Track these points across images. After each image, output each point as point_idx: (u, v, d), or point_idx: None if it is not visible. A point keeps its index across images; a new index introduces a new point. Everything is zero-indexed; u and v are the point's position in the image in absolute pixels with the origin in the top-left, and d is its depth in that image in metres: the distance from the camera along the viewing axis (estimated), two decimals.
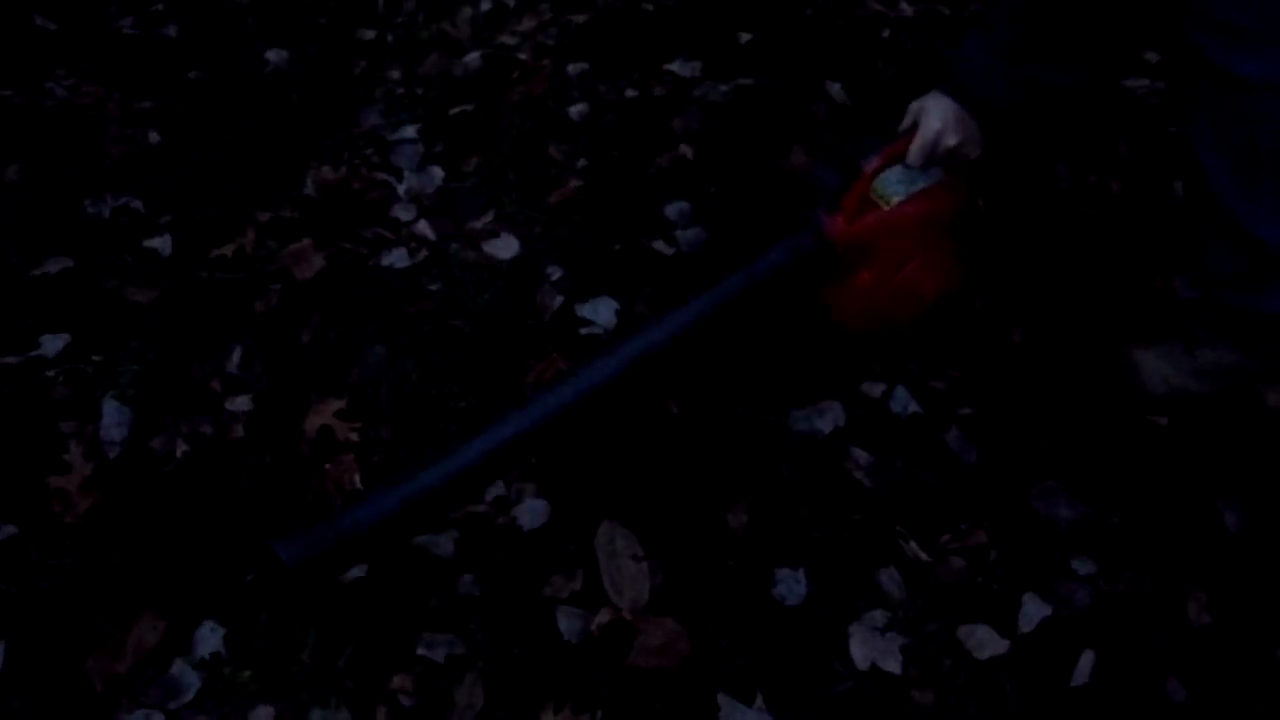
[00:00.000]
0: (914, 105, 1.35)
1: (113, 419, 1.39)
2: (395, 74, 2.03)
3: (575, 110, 1.92)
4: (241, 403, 1.41)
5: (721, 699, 1.12)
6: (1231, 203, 1.20)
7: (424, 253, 1.65)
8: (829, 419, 1.39)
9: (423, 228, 1.70)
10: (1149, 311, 1.51)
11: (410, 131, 1.88)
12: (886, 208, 1.34)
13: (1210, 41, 1.13)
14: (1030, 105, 1.30)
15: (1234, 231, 1.22)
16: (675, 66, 2.02)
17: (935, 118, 1.31)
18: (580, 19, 2.16)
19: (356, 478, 1.32)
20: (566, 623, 1.18)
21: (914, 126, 1.34)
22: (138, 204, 1.73)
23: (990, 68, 1.27)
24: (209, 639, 1.16)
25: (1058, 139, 1.79)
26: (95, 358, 1.47)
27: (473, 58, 2.06)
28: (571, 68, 2.02)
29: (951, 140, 1.31)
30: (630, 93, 1.96)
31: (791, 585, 1.22)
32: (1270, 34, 1.10)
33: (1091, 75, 1.26)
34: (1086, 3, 1.21)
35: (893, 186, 1.35)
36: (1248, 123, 1.15)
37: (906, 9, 2.15)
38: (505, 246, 1.66)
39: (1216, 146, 1.19)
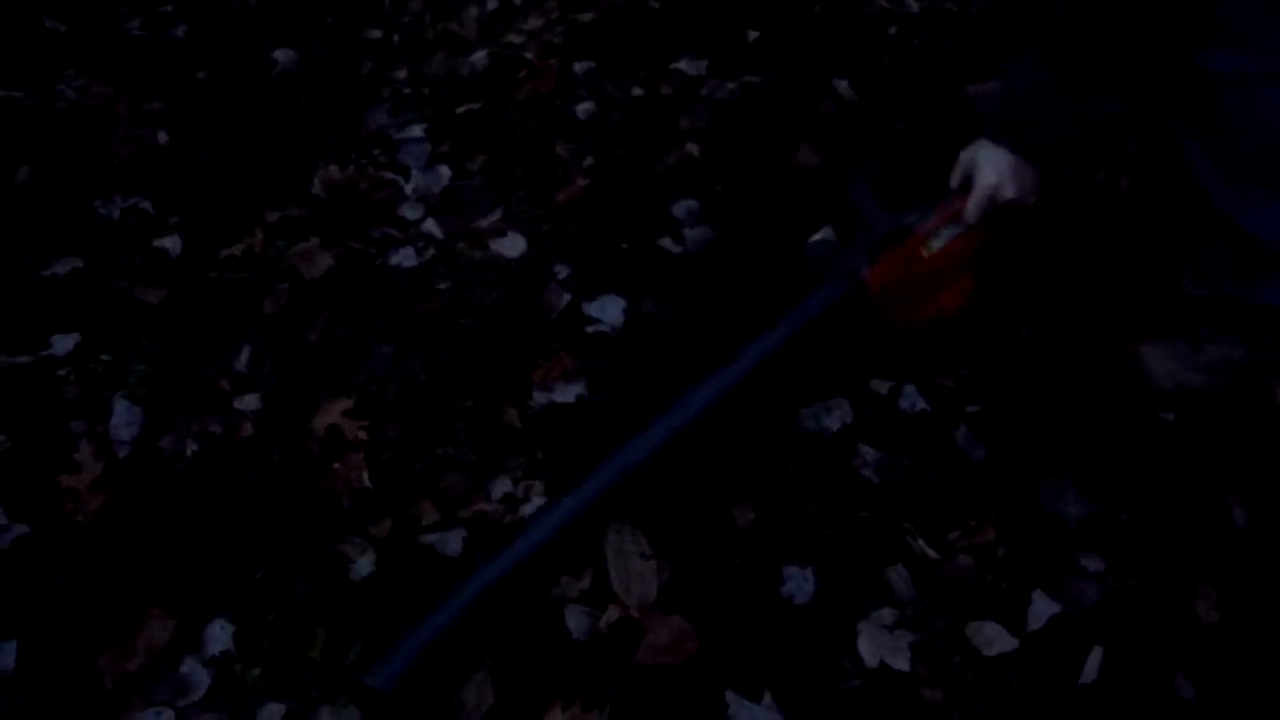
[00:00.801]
0: (964, 156, 1.29)
1: (123, 418, 1.39)
2: (402, 73, 2.03)
3: (582, 109, 1.93)
4: (250, 402, 1.42)
5: (730, 696, 1.12)
6: (1219, 198, 1.20)
7: (431, 252, 1.65)
8: (837, 416, 1.39)
9: (430, 227, 1.70)
10: (1157, 308, 1.51)
11: (417, 131, 1.89)
12: (926, 254, 1.31)
13: None
14: (1086, 138, 1.24)
15: (1225, 226, 1.22)
16: (682, 65, 2.02)
17: (990, 171, 1.25)
18: (587, 18, 2.16)
19: (365, 476, 1.32)
20: (575, 621, 1.18)
21: (966, 181, 1.28)
22: (147, 204, 1.74)
23: (1044, 107, 1.20)
24: (219, 637, 1.17)
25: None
26: (105, 357, 1.48)
27: (479, 57, 2.06)
28: (578, 66, 2.02)
29: (1010, 193, 1.26)
30: (637, 91, 1.96)
31: (800, 583, 1.22)
32: (1238, 26, 1.08)
33: (1145, 97, 1.23)
34: (1137, 27, 1.15)
35: (937, 234, 1.32)
36: (1224, 118, 1.14)
37: (913, 6, 2.15)
38: (512, 245, 1.66)
39: (1198, 143, 1.19)
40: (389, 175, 1.80)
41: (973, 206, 1.28)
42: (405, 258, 1.64)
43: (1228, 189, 1.19)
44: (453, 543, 1.25)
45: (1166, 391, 1.38)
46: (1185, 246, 1.54)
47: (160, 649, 1.16)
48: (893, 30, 2.09)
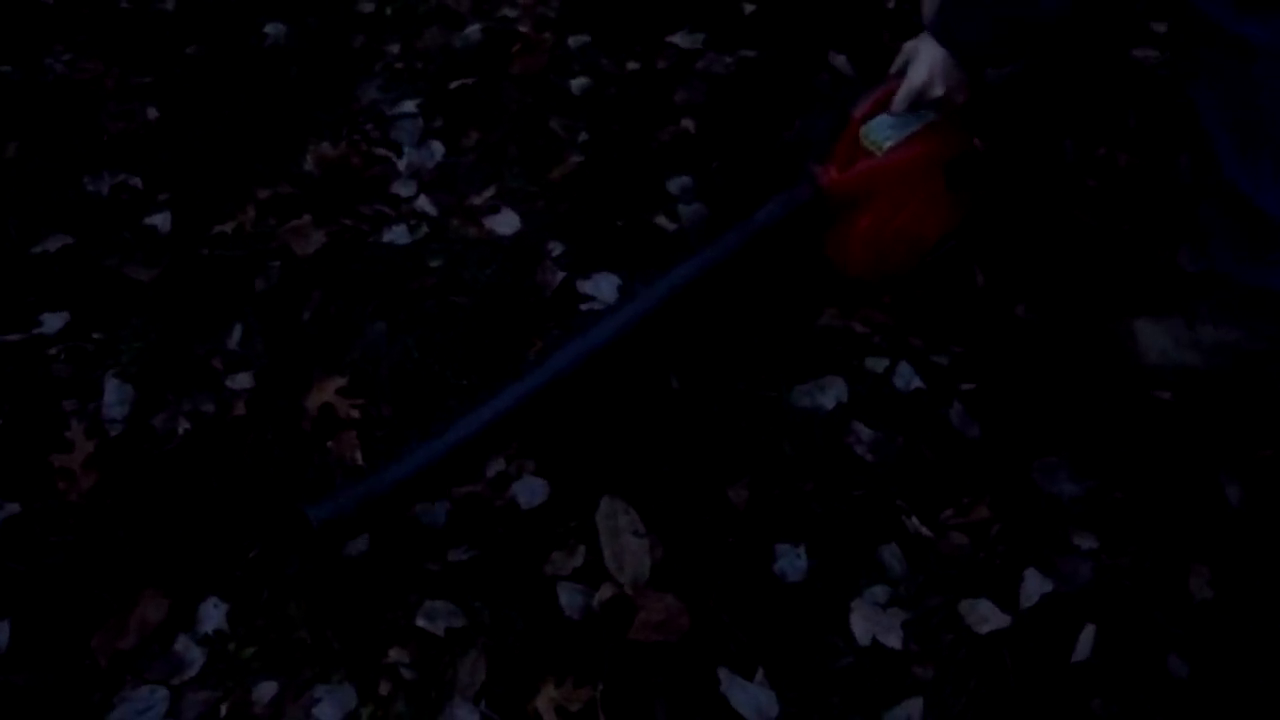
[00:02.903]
0: (907, 46, 1.34)
1: (114, 397, 1.39)
2: (394, 48, 2.01)
3: (577, 84, 1.91)
4: (243, 380, 1.41)
5: (722, 673, 1.12)
6: (1234, 173, 1.18)
7: (424, 229, 1.64)
8: (831, 394, 1.39)
9: (423, 203, 1.69)
10: (1154, 285, 1.50)
11: (410, 106, 1.87)
12: (879, 154, 1.35)
13: (1213, 1, 1.10)
14: (1013, 43, 1.28)
15: (1237, 203, 1.20)
16: (678, 38, 1.99)
17: (923, 65, 1.30)
18: None
19: (358, 455, 1.32)
20: (568, 598, 1.19)
21: (904, 69, 1.33)
22: (136, 181, 1.72)
23: (969, 6, 1.25)
24: (212, 615, 1.17)
25: (1065, 111, 1.77)
26: (96, 336, 1.47)
27: (473, 30, 2.04)
28: (573, 40, 2.00)
29: (938, 89, 1.31)
30: (632, 65, 1.94)
31: (793, 561, 1.22)
32: None
33: (1071, 9, 1.23)
34: None
35: (884, 133, 1.36)
36: (1250, 88, 1.12)
37: None
38: (506, 222, 1.65)
39: (1219, 113, 1.17)
40: (381, 151, 1.78)
41: (900, 96, 1.32)
42: (398, 235, 1.63)
43: (1243, 162, 1.17)
44: (438, 514, 1.26)
45: (1154, 366, 1.37)
46: (1185, 222, 1.53)
47: (154, 627, 1.16)
48: (891, 4, 2.07)
